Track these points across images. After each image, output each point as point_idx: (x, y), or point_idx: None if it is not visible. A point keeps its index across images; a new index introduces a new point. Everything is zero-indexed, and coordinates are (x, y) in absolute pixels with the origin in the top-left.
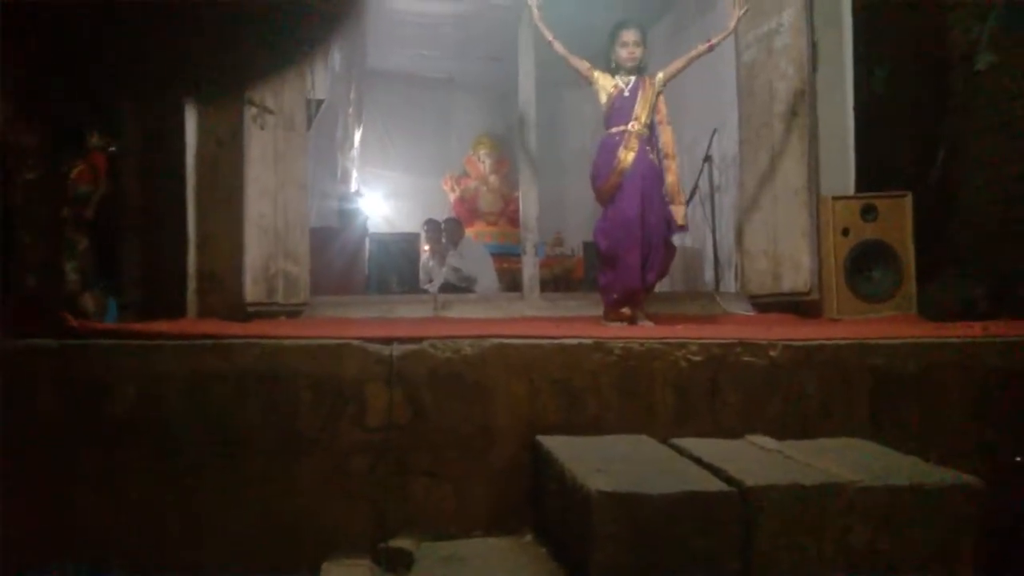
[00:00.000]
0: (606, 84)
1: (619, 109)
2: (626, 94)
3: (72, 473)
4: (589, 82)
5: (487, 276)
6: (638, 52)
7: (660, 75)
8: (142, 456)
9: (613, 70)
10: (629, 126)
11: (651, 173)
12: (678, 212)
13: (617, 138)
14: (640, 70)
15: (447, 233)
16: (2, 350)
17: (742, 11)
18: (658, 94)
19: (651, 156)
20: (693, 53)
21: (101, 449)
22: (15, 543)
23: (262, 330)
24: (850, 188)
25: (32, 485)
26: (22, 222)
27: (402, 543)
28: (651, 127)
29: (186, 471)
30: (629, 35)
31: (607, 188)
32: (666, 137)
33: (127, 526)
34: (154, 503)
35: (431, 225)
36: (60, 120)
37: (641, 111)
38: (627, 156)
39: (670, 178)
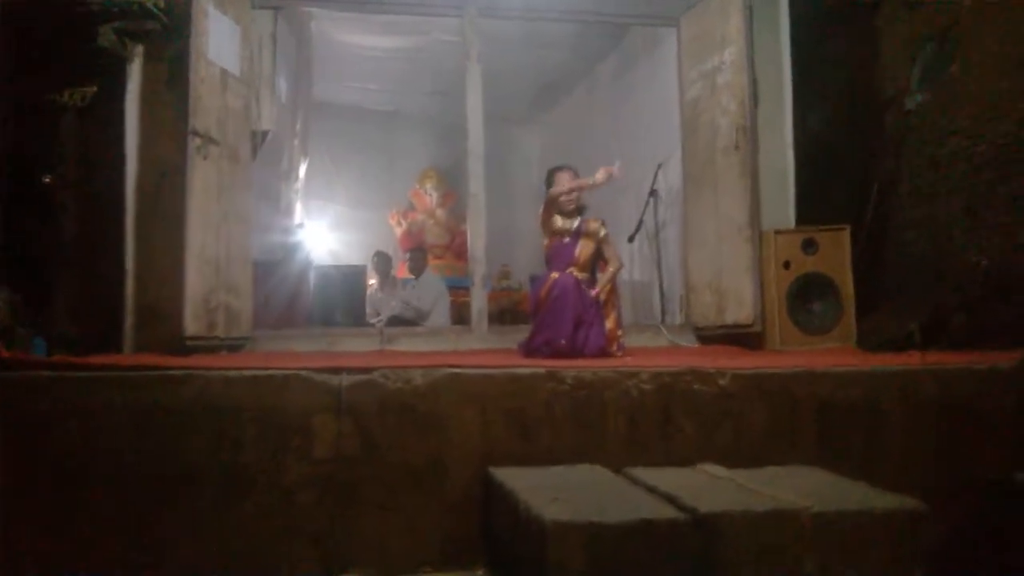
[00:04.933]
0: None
1: (559, 253)
2: (566, 240)
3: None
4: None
5: (441, 311)
6: (575, 194)
7: (602, 231)
8: (84, 492)
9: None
10: (567, 271)
11: (582, 295)
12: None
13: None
14: (580, 210)
15: (410, 264)
16: None
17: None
18: (603, 238)
19: (585, 289)
20: (588, 182)
21: (42, 485)
22: None
23: (204, 363)
24: (791, 223)
25: None
26: None
27: None
28: (592, 269)
29: (127, 508)
30: (564, 176)
31: (536, 307)
32: (605, 280)
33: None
34: (95, 540)
35: (380, 257)
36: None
37: (581, 255)
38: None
39: (608, 324)
